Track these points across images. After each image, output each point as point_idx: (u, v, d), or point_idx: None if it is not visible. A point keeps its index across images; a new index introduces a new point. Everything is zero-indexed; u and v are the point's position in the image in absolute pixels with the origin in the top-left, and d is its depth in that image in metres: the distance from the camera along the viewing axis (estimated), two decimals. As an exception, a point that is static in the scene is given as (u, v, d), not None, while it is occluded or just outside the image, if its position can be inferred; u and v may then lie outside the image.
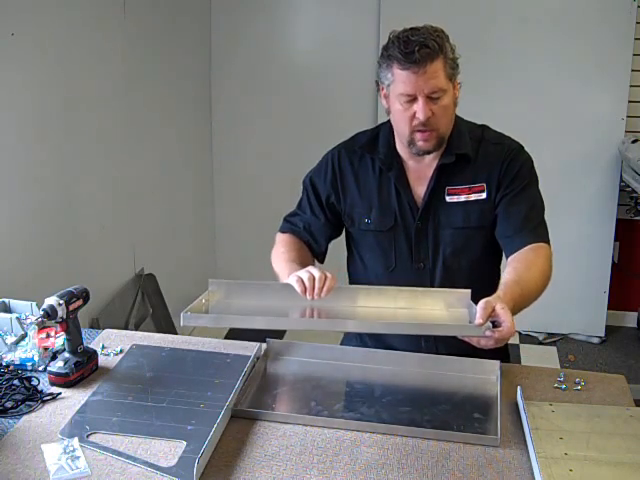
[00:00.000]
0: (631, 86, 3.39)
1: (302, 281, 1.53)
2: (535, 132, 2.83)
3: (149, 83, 3.09)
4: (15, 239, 2.22)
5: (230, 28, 3.74)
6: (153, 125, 3.15)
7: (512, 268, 1.64)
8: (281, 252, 1.80)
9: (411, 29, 1.60)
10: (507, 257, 1.74)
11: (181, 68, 3.44)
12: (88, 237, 2.66)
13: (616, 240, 3.62)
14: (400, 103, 1.63)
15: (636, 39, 3.33)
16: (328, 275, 1.55)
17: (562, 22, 3.40)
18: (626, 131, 3.44)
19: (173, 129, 3.38)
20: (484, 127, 1.79)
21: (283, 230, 1.89)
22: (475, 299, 1.57)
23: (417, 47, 1.55)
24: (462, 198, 1.72)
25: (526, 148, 1.79)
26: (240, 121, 3.84)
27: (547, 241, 1.72)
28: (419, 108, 1.60)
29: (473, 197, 1.72)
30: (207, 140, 3.86)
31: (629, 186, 3.33)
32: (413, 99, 1.60)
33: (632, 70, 3.36)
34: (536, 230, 1.71)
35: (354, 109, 3.67)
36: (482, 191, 1.72)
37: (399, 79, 1.60)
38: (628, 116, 3.43)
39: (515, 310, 1.49)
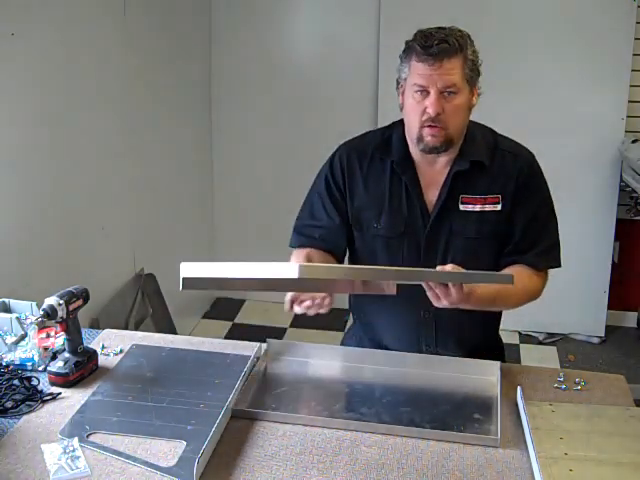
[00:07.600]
0: (631, 86, 3.38)
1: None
2: (535, 132, 2.82)
3: (149, 83, 3.08)
4: (15, 239, 2.22)
5: (230, 28, 3.74)
6: (153, 125, 3.15)
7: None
8: None
9: (437, 27, 1.60)
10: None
11: (181, 68, 3.43)
12: (88, 237, 2.65)
13: (616, 240, 3.61)
14: (413, 96, 1.60)
15: (636, 39, 3.33)
16: (324, 303, 1.52)
17: (562, 22, 3.39)
18: (626, 131, 3.43)
19: (173, 129, 3.38)
20: (494, 132, 1.76)
21: (298, 244, 1.79)
22: (479, 314, 1.59)
23: (437, 42, 1.55)
24: (477, 208, 1.68)
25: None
26: (240, 121, 3.83)
27: (555, 264, 1.72)
28: (430, 102, 1.57)
29: (488, 208, 1.68)
30: (207, 140, 3.86)
31: (629, 186, 3.32)
32: (426, 93, 1.58)
33: (632, 70, 3.35)
34: (547, 253, 1.71)
35: (354, 109, 3.66)
36: (497, 202, 1.68)
37: (414, 71, 1.59)
38: (628, 116, 3.42)
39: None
